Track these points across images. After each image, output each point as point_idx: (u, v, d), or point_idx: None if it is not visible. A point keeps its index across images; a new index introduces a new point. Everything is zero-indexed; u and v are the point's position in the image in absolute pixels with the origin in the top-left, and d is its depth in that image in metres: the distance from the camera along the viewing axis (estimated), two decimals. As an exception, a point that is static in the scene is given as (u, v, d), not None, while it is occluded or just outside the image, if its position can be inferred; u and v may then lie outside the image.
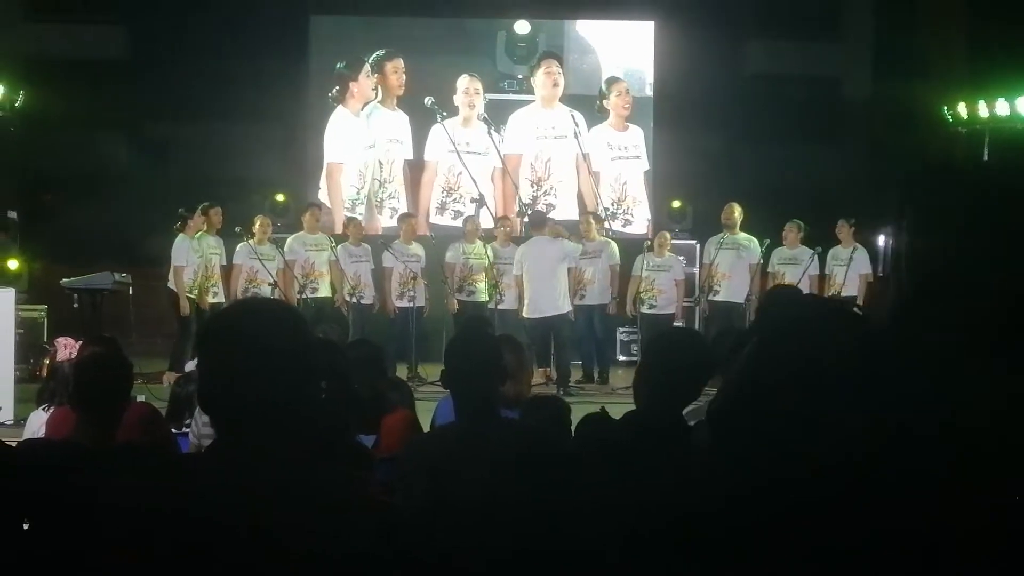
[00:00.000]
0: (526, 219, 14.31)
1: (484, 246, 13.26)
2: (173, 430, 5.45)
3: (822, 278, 13.10)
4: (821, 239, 13.16)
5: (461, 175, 15.37)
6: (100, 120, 15.63)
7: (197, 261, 12.43)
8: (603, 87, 16.00)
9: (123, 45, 18.22)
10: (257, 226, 12.88)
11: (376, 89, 15.67)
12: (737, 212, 13.21)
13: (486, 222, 13.95)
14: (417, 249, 13.41)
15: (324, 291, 12.99)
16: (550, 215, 14.07)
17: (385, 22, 16.24)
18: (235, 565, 2.06)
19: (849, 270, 12.87)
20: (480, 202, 14.40)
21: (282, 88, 16.26)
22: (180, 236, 12.42)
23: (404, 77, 15.62)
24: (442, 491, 3.45)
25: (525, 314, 12.62)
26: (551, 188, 15.79)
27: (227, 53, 16.16)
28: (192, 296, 12.36)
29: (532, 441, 3.66)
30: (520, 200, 14.85)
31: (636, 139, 16.06)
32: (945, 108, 15.07)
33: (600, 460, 3.43)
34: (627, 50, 16.40)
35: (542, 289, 12.48)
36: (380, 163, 15.78)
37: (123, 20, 18.19)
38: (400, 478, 3.69)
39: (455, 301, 13.16)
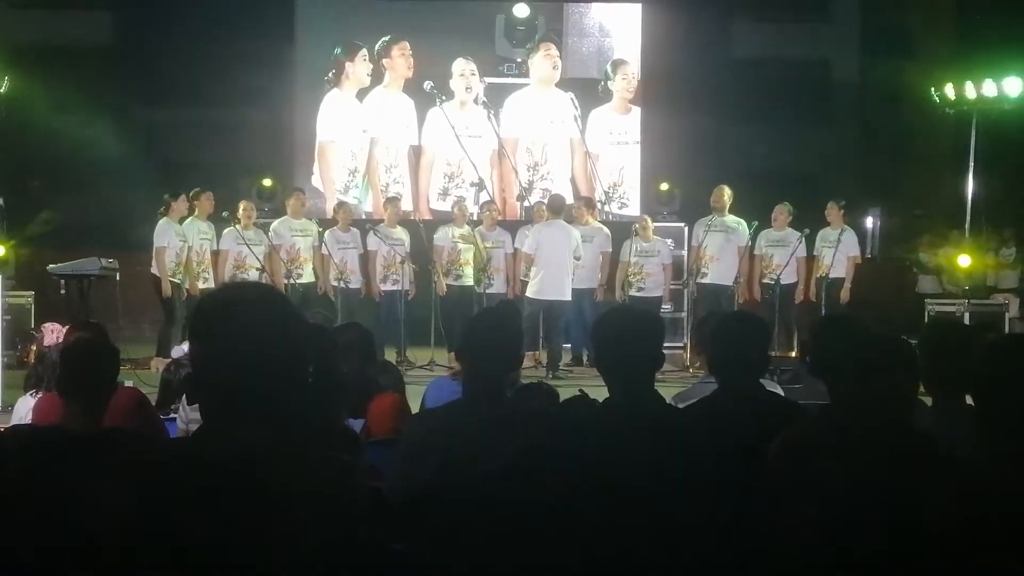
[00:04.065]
0: (526, 203, 14.26)
1: (472, 230, 13.26)
2: (161, 416, 5.43)
3: (809, 259, 13.12)
4: (808, 221, 13.18)
5: (463, 160, 15.29)
6: (86, 106, 15.54)
7: (179, 245, 12.39)
8: (608, 69, 15.93)
9: (109, 31, 18.16)
10: (241, 211, 12.82)
11: (371, 75, 15.54)
12: (727, 195, 13.19)
13: (485, 206, 13.94)
14: (401, 233, 13.37)
15: (307, 277, 12.97)
16: (542, 199, 14.07)
17: (379, 7, 16.06)
18: (225, 549, 2.06)
19: (837, 251, 12.90)
20: (480, 186, 14.34)
21: (269, 73, 16.23)
22: (163, 220, 12.40)
23: (412, 60, 15.48)
24: (452, 467, 3.42)
25: (529, 293, 12.58)
26: (547, 172, 15.73)
27: (213, 38, 16.10)
28: (176, 280, 12.32)
29: (541, 422, 3.68)
30: (520, 184, 14.78)
31: (637, 122, 15.99)
32: (932, 89, 15.05)
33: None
34: (625, 33, 16.25)
35: (555, 273, 12.44)
36: (386, 148, 15.69)
37: (108, 6, 18.13)
38: (403, 453, 3.65)
39: (444, 284, 13.14)
